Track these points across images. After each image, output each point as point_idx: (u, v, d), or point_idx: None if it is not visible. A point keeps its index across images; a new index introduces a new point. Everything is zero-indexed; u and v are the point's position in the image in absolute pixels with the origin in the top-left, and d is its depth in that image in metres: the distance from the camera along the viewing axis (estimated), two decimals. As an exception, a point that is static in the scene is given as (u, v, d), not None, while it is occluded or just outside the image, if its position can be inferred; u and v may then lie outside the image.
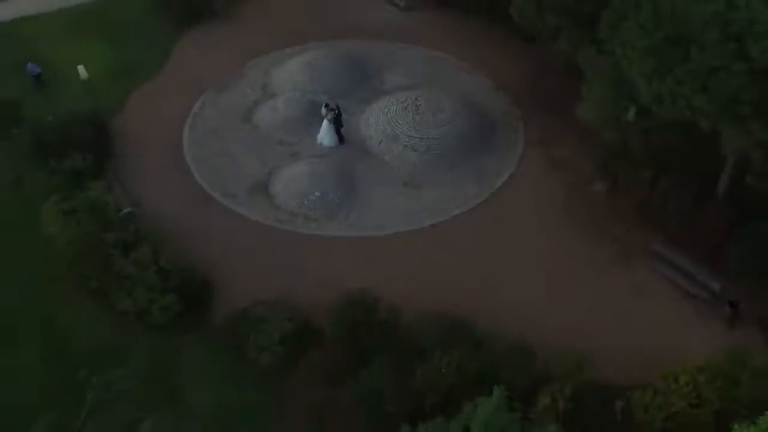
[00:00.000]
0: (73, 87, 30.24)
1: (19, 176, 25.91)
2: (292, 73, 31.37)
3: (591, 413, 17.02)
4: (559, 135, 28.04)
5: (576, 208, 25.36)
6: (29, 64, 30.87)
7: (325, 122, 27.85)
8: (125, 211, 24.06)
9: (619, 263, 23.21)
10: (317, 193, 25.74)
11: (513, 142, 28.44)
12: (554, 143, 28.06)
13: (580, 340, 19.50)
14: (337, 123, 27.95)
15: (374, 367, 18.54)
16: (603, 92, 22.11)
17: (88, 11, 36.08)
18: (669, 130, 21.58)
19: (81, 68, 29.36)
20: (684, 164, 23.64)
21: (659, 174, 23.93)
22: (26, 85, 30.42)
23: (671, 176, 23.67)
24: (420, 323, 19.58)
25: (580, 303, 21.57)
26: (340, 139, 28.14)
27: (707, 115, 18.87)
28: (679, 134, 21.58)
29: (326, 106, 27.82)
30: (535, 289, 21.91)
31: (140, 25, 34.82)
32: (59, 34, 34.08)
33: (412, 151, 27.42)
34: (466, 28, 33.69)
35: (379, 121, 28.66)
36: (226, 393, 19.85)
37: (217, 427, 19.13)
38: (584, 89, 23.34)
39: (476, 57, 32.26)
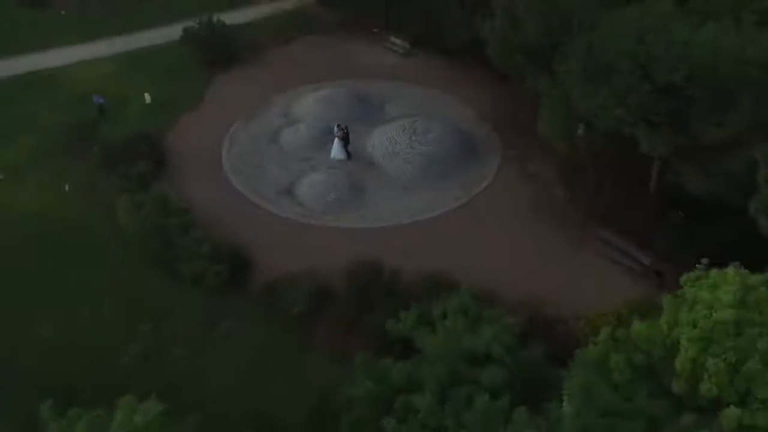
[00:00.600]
0: (130, 113, 36.97)
1: (93, 182, 32.12)
2: (310, 105, 38.14)
3: (543, 332, 22.84)
4: (530, 153, 34.57)
5: (541, 208, 31.68)
6: (94, 95, 37.59)
7: (336, 140, 34.42)
8: None
9: (574, 246, 29.31)
10: (333, 195, 32.08)
11: (492, 158, 35.00)
12: (525, 159, 34.59)
13: (541, 295, 25.46)
14: (346, 141, 34.50)
15: (377, 312, 24.35)
16: (555, 112, 28.76)
17: (137, 56, 43.29)
18: (607, 140, 28.12)
19: (147, 95, 36.24)
20: (621, 169, 30.11)
21: (603, 178, 30.37)
22: (92, 113, 37.00)
23: (612, 179, 30.11)
24: (414, 281, 25.52)
25: (542, 272, 27.55)
26: (348, 154, 34.62)
27: (627, 123, 25.43)
28: (614, 143, 28.12)
29: (338, 126, 34.45)
30: (506, 262, 27.91)
31: (181, 68, 41.80)
32: (115, 73, 41.09)
33: (408, 165, 33.88)
34: (453, 70, 40.79)
35: (382, 141, 35.26)
36: (262, 335, 25.59)
37: (257, 357, 24.81)
38: (542, 111, 30.00)
39: (462, 93, 39.24)
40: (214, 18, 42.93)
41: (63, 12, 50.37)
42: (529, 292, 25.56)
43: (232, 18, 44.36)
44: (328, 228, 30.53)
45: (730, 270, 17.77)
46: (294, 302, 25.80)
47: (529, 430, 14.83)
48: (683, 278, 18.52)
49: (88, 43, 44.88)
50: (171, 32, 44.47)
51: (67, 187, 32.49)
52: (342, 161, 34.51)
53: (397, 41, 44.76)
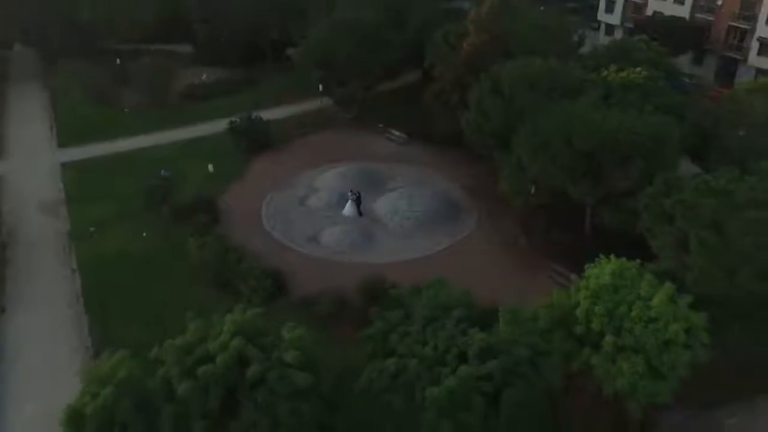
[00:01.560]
0: (190, 182, 47.59)
1: (165, 230, 42.19)
2: (329, 178, 48.93)
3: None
4: (500, 213, 44.86)
5: (507, 249, 41.58)
6: (162, 170, 48.45)
7: (349, 202, 44.81)
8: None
9: (530, 274, 38.86)
10: (348, 241, 42.01)
11: (470, 217, 45.30)
12: (495, 216, 44.83)
13: (502, 300, 34.79)
14: (357, 202, 44.87)
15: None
16: (512, 176, 39.42)
17: (191, 143, 54.84)
18: (551, 194, 38.54)
19: (210, 166, 47.19)
20: (564, 216, 40.34)
21: (551, 224, 40.54)
22: (160, 182, 47.63)
23: (557, 224, 40.26)
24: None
25: (505, 289, 36.74)
26: (360, 213, 44.90)
27: (561, 180, 35.95)
28: (556, 197, 38.52)
29: (351, 191, 44.98)
30: (477, 283, 37.10)
31: (227, 151, 53.08)
32: (176, 155, 52.31)
33: (406, 220, 44.10)
34: (441, 154, 52.14)
35: (385, 204, 45.71)
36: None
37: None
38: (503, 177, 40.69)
39: (447, 170, 50.32)
40: (253, 115, 54.76)
41: (127, 110, 62.59)
42: (493, 300, 34.84)
43: (267, 115, 56.27)
44: (344, 263, 40.19)
45: (612, 258, 27.67)
46: (322, 308, 35.09)
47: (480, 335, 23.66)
48: (587, 266, 28.36)
49: (151, 133, 56.68)
50: (216, 126, 56.52)
51: (145, 234, 42.48)
52: (355, 218, 44.73)
53: (397, 133, 56.73)
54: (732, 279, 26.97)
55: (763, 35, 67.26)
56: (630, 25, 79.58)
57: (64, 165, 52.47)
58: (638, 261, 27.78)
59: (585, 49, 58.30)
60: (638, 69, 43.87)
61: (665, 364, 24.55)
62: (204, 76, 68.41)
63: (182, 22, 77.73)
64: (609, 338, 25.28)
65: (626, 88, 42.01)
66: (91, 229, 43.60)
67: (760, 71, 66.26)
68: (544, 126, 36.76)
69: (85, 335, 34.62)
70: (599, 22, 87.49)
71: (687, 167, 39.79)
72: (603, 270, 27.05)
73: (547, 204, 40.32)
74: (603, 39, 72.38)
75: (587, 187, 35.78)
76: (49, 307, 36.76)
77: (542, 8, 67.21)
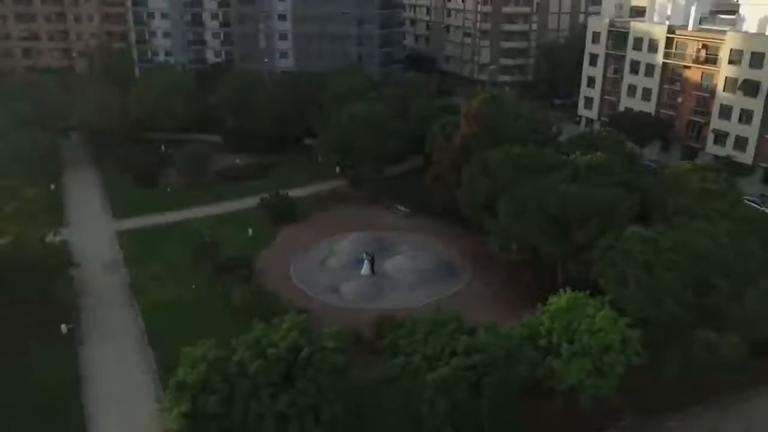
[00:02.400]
0: (228, 246, 56.50)
1: (211, 282, 50.89)
2: (345, 244, 58.00)
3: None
4: (489, 271, 53.60)
5: (496, 297, 49.99)
6: (203, 236, 57.63)
7: (365, 262, 53.67)
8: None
9: (512, 312, 47.01)
10: (362, 292, 50.54)
11: (464, 274, 54.01)
12: (485, 274, 53.50)
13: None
14: (372, 262, 53.72)
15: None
16: (498, 237, 48.46)
17: (228, 215, 64.32)
18: (530, 251, 47.43)
19: (250, 230, 56.39)
20: (541, 269, 49.04)
21: (530, 277, 49.18)
22: (203, 246, 56.68)
23: (536, 276, 48.91)
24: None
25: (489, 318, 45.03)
26: (373, 271, 53.65)
27: (534, 238, 44.99)
28: (533, 253, 47.40)
29: (366, 253, 53.96)
30: (471, 312, 45.42)
31: (259, 222, 62.42)
32: (215, 225, 61.71)
33: (411, 276, 52.76)
34: (439, 225, 61.47)
35: (393, 264, 54.53)
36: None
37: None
38: (491, 238, 49.77)
39: (444, 238, 59.49)
40: (280, 192, 64.69)
41: (168, 189, 72.61)
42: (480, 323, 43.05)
43: (291, 193, 66.10)
44: (361, 309, 48.53)
45: (568, 291, 36.30)
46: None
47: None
48: (550, 298, 36.98)
49: (192, 208, 66.38)
50: (248, 202, 66.36)
51: (193, 286, 51.15)
52: (369, 275, 53.45)
53: (402, 208, 66.33)
54: (659, 306, 35.44)
55: (716, 128, 78.18)
56: (605, 119, 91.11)
57: (119, 233, 61.81)
58: (588, 292, 36.37)
59: (564, 137, 68.78)
60: (598, 153, 53.90)
61: (606, 365, 32.65)
62: (237, 160, 78.96)
63: (212, 116, 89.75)
64: (565, 346, 33.51)
65: (589, 167, 51.78)
66: (149, 280, 52.31)
67: (717, 157, 76.65)
68: (522, 196, 46.24)
69: (151, 361, 42.67)
70: (580, 116, 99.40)
71: (635, 227, 48.86)
72: (561, 299, 35.63)
73: (527, 260, 49.15)
74: (583, 130, 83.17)
75: (556, 244, 44.74)
76: (119, 341, 44.96)
77: (529, 104, 78.96)
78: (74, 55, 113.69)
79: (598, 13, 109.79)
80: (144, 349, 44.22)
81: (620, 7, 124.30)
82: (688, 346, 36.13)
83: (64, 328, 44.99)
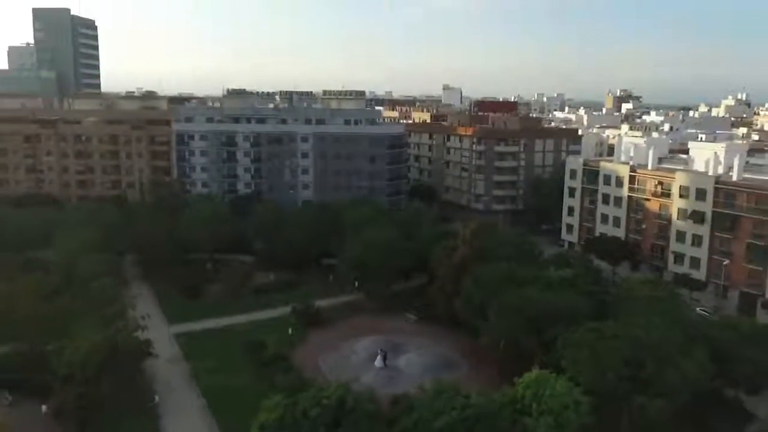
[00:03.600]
0: (269, 345, 68.90)
1: (258, 374, 62.95)
2: (364, 344, 70.47)
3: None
4: (482, 365, 65.67)
5: (486, 384, 61.68)
6: (243, 334, 70.23)
7: (379, 356, 65.97)
8: None
9: (499, 387, 58.67)
10: (378, 380, 62.52)
11: (462, 367, 66.06)
12: (479, 368, 65.51)
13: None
14: (384, 357, 66.00)
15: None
16: (489, 335, 61.18)
17: (265, 321, 77.13)
18: (516, 346, 59.98)
19: (290, 329, 69.03)
20: (521, 355, 61.22)
21: (515, 368, 61.33)
22: (246, 344, 69.11)
23: (517, 361, 61.05)
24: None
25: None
26: (385, 365, 65.83)
27: (517, 334, 57.77)
28: (517, 348, 59.91)
29: (381, 350, 66.41)
30: (466, 388, 57.16)
31: (289, 327, 75.08)
32: (254, 329, 74.44)
33: (418, 368, 64.84)
34: (442, 328, 74.13)
35: (404, 359, 66.78)
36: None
37: None
38: (482, 337, 62.48)
39: (446, 340, 71.95)
40: (308, 303, 78.00)
41: (210, 301, 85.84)
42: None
43: (317, 303, 79.33)
44: (377, 393, 60.28)
45: (538, 369, 48.80)
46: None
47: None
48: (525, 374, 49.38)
49: (234, 316, 79.30)
50: (281, 311, 79.34)
51: (242, 376, 63.19)
52: (382, 368, 65.55)
53: (411, 316, 79.33)
54: (603, 378, 47.71)
55: (674, 250, 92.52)
56: (583, 242, 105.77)
57: (176, 335, 74.39)
58: (553, 371, 48.70)
59: (546, 256, 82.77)
60: (568, 269, 67.74)
61: (564, 421, 44.50)
62: (272, 276, 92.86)
63: (245, 238, 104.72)
64: (534, 406, 45.52)
65: (560, 280, 65.33)
66: (205, 371, 64.40)
67: (676, 274, 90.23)
68: (507, 303, 59.51)
69: (215, 428, 54.20)
70: (563, 240, 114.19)
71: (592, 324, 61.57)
72: (532, 375, 48.00)
73: (512, 353, 61.47)
74: (561, 251, 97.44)
75: (532, 339, 57.40)
76: (188, 414, 56.62)
77: (518, 230, 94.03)
78: (124, 186, 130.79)
79: (578, 152, 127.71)
80: (209, 418, 55.86)
81: (600, 144, 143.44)
82: (628, 409, 47.92)
83: (155, 398, 56.98)
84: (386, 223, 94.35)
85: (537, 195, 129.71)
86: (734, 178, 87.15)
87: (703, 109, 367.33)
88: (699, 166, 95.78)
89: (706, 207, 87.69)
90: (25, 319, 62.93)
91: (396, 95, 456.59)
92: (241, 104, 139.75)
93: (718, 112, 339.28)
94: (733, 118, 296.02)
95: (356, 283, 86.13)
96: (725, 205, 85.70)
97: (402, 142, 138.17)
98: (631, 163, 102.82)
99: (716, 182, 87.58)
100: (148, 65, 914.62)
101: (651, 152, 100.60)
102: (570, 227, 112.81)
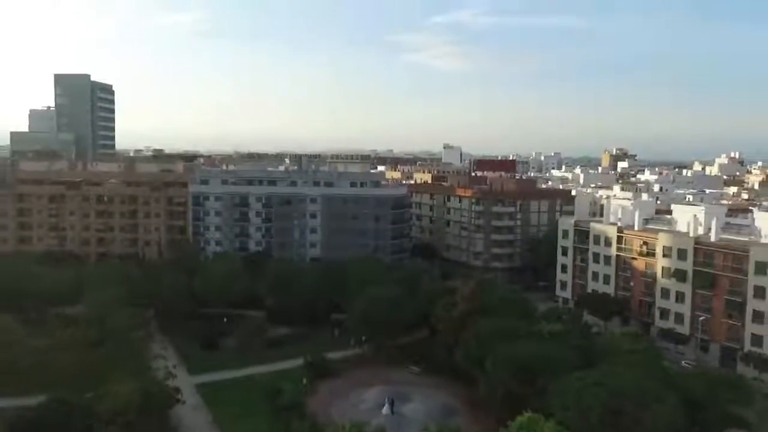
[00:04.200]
0: (286, 393, 74.84)
1: (275, 417, 68.78)
2: (372, 393, 76.42)
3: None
4: (480, 411, 71.52)
5: (482, 423, 67.56)
6: (259, 383, 76.26)
7: (386, 404, 71.92)
8: None
9: (494, 426, 64.46)
10: (386, 426, 68.28)
11: (463, 411, 71.86)
12: (477, 414, 71.34)
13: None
14: (392, 405, 71.93)
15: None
16: (486, 384, 67.28)
17: (277, 372, 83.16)
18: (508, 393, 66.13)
19: (304, 379, 75.09)
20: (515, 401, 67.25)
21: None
22: (268, 393, 75.07)
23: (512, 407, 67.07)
24: None
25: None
26: (393, 412, 71.70)
27: (511, 382, 64.00)
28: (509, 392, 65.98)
29: (387, 398, 72.42)
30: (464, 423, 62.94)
31: (302, 377, 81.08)
32: (270, 378, 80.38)
33: (422, 415, 70.67)
34: (446, 380, 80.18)
35: (408, 407, 72.66)
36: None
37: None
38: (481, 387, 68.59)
39: (447, 389, 77.83)
40: (318, 355, 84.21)
41: (227, 353, 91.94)
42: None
43: (329, 355, 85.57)
44: (385, 437, 66.05)
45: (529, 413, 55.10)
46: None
47: None
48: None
49: (250, 367, 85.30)
50: (293, 362, 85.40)
51: (262, 420, 68.98)
52: (389, 414, 71.38)
53: (414, 368, 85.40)
54: (588, 422, 53.82)
55: (660, 306, 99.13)
56: (576, 298, 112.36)
57: (196, 385, 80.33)
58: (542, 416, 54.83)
59: (541, 311, 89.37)
60: (559, 324, 74.33)
61: (552, 458, 50.45)
62: (286, 330, 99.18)
63: (257, 294, 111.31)
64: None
65: (551, 334, 71.84)
66: (227, 417, 70.19)
67: (662, 329, 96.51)
68: (502, 355, 65.89)
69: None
70: (558, 296, 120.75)
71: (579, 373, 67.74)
72: (524, 417, 54.15)
73: (507, 400, 67.43)
74: (554, 306, 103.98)
75: (524, 386, 63.57)
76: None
77: (515, 286, 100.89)
78: (141, 244, 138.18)
79: (572, 212, 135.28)
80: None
81: (594, 203, 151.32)
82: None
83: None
84: (390, 280, 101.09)
85: (533, 253, 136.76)
86: (712, 239, 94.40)
87: (697, 167, 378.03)
88: (682, 226, 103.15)
89: (688, 266, 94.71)
90: (63, 369, 69.51)
91: (397, 151, 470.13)
92: (253, 167, 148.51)
93: (712, 170, 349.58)
94: (725, 177, 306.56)
95: (362, 338, 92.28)
96: (704, 264, 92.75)
97: (405, 202, 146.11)
98: (619, 223, 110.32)
99: (696, 243, 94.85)
100: (151, 120, 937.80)
101: (637, 214, 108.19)
102: (564, 284, 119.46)
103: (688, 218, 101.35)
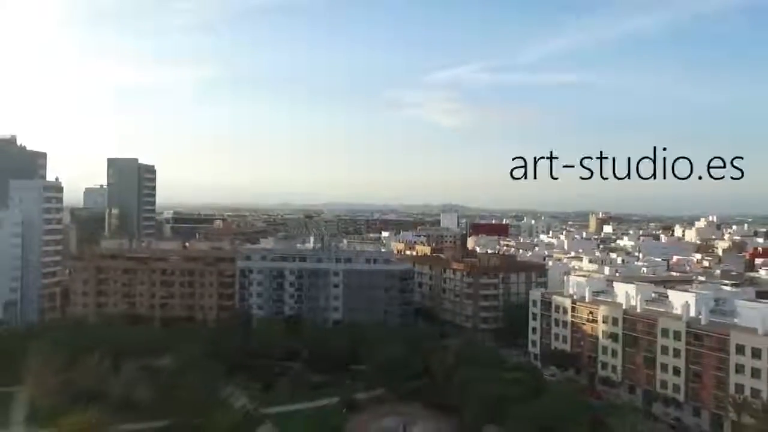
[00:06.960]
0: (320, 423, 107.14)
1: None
2: (389, 421, 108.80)
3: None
4: (465, 429, 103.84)
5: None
6: (312, 420, 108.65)
7: (401, 428, 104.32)
8: None
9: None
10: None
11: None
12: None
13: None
14: (404, 429, 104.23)
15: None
16: (467, 414, 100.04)
17: (320, 408, 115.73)
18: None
19: (344, 410, 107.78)
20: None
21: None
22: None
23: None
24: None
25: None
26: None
27: (483, 411, 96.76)
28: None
29: (403, 424, 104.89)
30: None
31: (339, 412, 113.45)
32: (317, 411, 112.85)
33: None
34: (442, 412, 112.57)
35: (417, 429, 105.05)
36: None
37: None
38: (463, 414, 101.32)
39: (445, 418, 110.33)
40: (350, 395, 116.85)
41: (280, 393, 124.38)
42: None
43: (356, 396, 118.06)
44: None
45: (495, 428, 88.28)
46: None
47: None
48: None
49: (299, 403, 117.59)
50: (329, 400, 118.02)
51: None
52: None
53: (419, 405, 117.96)
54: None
55: (602, 360, 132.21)
56: (543, 354, 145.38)
57: (265, 414, 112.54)
58: None
59: (511, 363, 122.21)
60: (517, 372, 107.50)
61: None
62: (318, 378, 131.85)
63: (295, 350, 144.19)
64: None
65: (513, 379, 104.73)
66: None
67: (601, 377, 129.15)
68: (476, 395, 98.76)
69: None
70: (530, 352, 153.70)
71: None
72: (489, 428, 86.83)
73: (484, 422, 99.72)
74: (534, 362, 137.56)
75: (492, 414, 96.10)
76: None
77: (495, 344, 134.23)
78: (197, 308, 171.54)
79: (545, 283, 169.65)
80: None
81: (567, 273, 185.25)
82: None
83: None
84: (398, 339, 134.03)
85: (512, 317, 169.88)
86: (637, 310, 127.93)
87: (678, 231, 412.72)
88: (621, 299, 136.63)
89: (619, 330, 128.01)
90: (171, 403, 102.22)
91: (396, 204, 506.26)
92: (286, 246, 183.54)
93: (692, 234, 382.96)
94: (699, 241, 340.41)
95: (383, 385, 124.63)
96: (630, 329, 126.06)
97: (409, 275, 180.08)
98: (574, 296, 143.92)
99: (624, 313, 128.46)
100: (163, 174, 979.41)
101: (587, 290, 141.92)
102: (534, 342, 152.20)
103: (623, 292, 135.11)
